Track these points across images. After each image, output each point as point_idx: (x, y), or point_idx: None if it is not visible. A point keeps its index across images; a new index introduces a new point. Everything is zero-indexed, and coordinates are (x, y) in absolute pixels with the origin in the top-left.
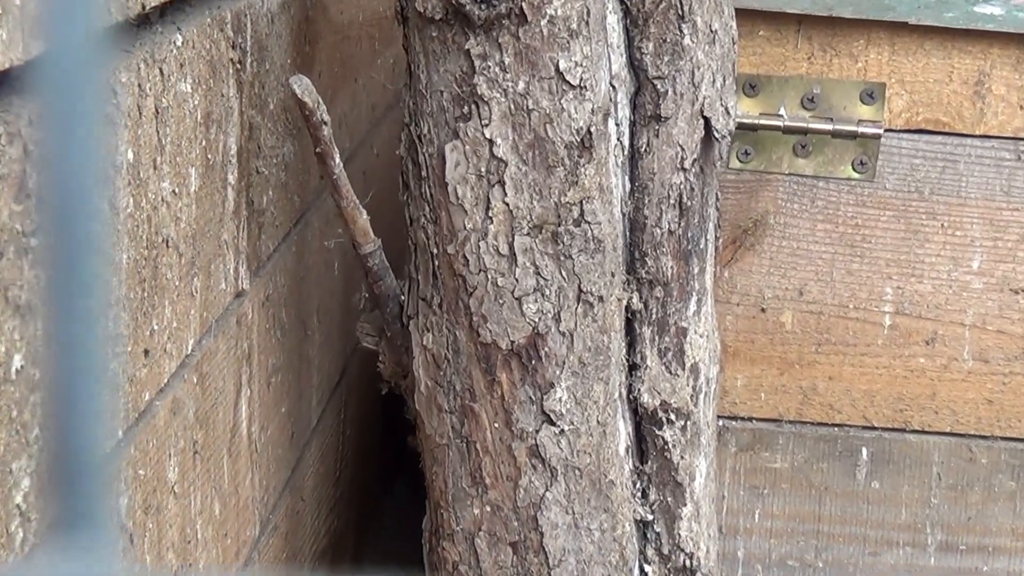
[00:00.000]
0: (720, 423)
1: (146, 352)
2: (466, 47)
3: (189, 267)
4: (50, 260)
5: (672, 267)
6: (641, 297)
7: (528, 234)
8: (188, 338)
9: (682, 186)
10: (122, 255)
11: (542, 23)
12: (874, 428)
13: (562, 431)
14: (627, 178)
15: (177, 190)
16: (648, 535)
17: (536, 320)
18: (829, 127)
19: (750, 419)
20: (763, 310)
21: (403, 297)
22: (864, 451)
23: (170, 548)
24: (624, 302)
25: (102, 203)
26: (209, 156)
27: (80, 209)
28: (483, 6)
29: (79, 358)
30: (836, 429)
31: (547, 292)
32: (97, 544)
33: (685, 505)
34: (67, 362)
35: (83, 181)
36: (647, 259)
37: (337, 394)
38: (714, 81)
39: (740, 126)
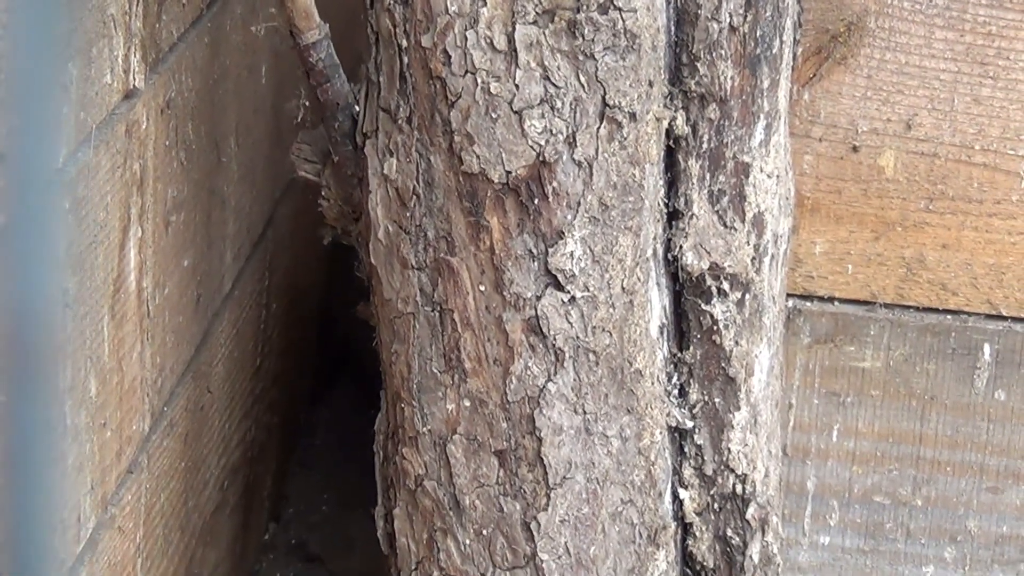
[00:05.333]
0: (790, 303)
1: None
2: None
3: (62, 46)
4: None
5: (733, 77)
6: (688, 118)
7: (535, 22)
8: (57, 146)
9: None
10: None
11: None
12: (1002, 318)
13: (573, 299)
14: None
15: None
16: (686, 448)
17: (542, 143)
18: None
19: (831, 300)
20: (855, 148)
21: (357, 108)
22: (987, 349)
23: None
24: (665, 123)
25: None
26: None
27: None
28: None
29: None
30: (949, 317)
31: (559, 105)
32: None
33: (738, 409)
34: None
35: None
36: (698, 65)
37: (261, 249)
38: None
39: None
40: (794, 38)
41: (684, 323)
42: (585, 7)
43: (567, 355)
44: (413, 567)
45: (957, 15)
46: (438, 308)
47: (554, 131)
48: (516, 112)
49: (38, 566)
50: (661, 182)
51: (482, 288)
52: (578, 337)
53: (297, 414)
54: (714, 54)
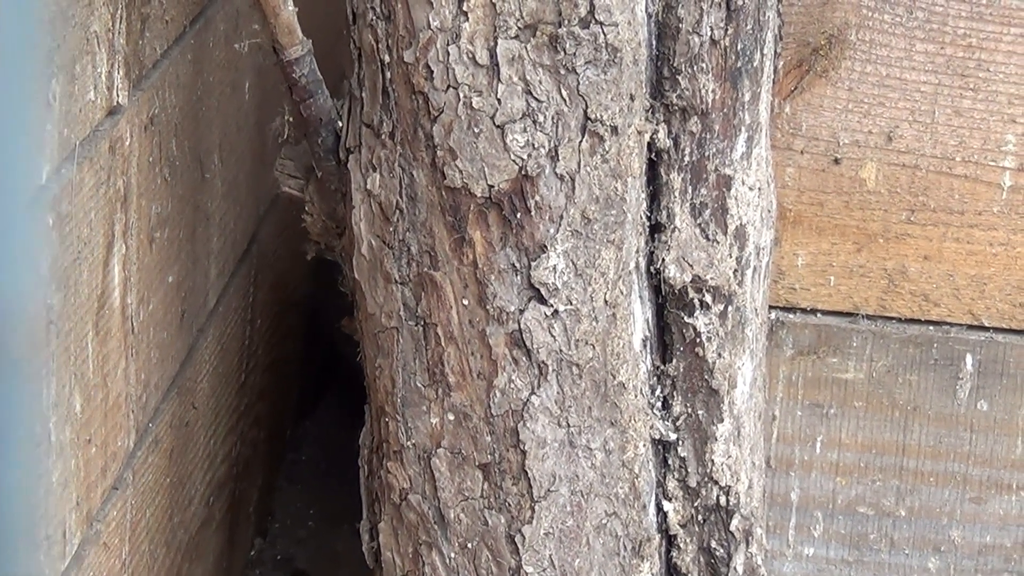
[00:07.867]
0: (773, 316)
1: None
2: None
3: (45, 63)
4: None
5: (714, 91)
6: (670, 131)
7: (516, 37)
8: (41, 163)
9: None
10: None
11: None
12: (984, 328)
13: (556, 312)
14: None
15: None
16: (670, 460)
17: (524, 157)
18: None
19: (814, 311)
20: (837, 161)
21: (340, 123)
22: (969, 359)
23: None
24: (646, 136)
25: None
26: None
27: None
28: None
29: None
30: (931, 328)
31: (541, 119)
32: None
33: (722, 421)
34: None
35: None
36: (680, 78)
37: (245, 265)
38: None
39: None
40: (775, 51)
41: (667, 336)
42: (567, 21)
43: (550, 368)
44: None
45: (937, 27)
46: (422, 322)
47: (536, 145)
48: (498, 126)
49: None
50: (643, 195)
51: (465, 302)
52: (561, 350)
53: (283, 429)
54: (695, 67)
